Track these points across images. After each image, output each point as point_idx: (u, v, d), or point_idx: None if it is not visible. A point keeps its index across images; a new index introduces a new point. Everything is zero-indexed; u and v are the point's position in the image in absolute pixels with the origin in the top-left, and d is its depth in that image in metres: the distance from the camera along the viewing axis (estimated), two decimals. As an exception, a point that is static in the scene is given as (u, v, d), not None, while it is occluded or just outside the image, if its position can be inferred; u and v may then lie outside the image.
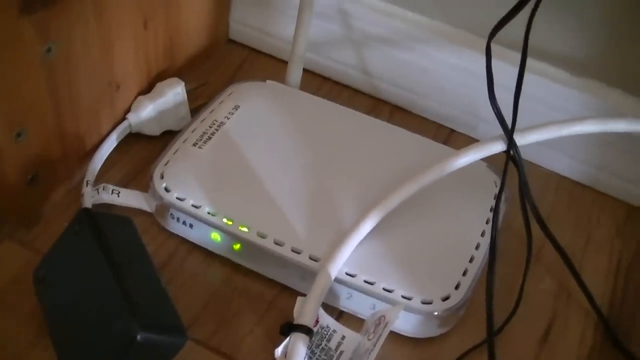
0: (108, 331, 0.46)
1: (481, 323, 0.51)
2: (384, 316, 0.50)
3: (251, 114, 0.64)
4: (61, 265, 0.51)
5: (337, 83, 0.74)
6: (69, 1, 0.53)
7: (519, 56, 0.49)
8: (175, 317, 0.49)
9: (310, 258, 0.54)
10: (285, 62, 0.69)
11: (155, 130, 0.65)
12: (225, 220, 0.56)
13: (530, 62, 0.50)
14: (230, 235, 0.56)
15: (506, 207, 0.60)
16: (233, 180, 0.58)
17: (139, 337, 0.45)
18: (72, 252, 0.51)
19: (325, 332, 0.52)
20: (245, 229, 0.55)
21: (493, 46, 0.50)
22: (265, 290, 0.56)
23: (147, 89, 0.65)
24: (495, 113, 0.52)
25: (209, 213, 0.56)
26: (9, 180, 0.55)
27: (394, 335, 0.53)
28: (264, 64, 0.76)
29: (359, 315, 0.54)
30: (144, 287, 0.50)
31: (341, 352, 0.51)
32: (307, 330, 0.50)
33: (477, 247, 0.56)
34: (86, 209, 0.55)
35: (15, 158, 0.54)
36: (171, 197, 0.57)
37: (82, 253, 0.51)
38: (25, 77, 0.52)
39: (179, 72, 0.69)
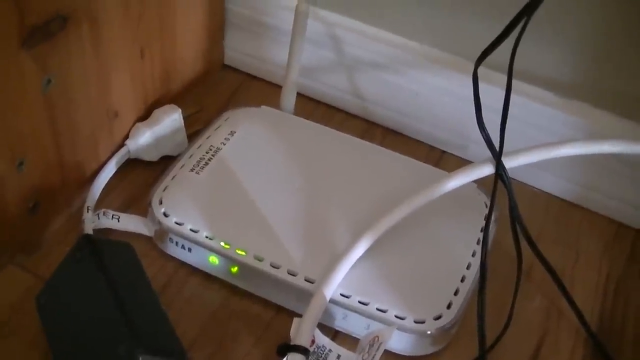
0: (111, 355, 0.47)
1: (473, 341, 0.51)
2: (377, 336, 0.51)
3: (247, 139, 0.65)
4: (63, 290, 0.52)
5: (330, 107, 0.75)
6: (67, 34, 0.54)
7: (505, 79, 0.50)
8: (176, 341, 0.50)
9: (306, 280, 0.55)
10: (279, 86, 0.69)
11: (154, 156, 0.66)
12: (222, 244, 0.57)
13: (517, 84, 0.51)
14: (228, 259, 0.57)
15: (496, 227, 0.61)
16: (230, 205, 0.59)
17: (141, 360, 0.46)
18: (74, 277, 0.52)
19: (322, 352, 0.52)
20: (242, 253, 0.56)
21: (481, 69, 0.51)
22: (262, 312, 0.57)
23: (144, 116, 0.66)
24: (484, 138, 0.53)
25: (206, 237, 0.57)
26: (11, 209, 0.56)
27: (388, 354, 0.54)
28: (259, 89, 0.77)
29: (354, 335, 0.55)
30: (144, 311, 0.51)
31: (337, 371, 0.52)
32: (303, 351, 0.50)
33: (468, 267, 0.57)
34: (87, 236, 0.55)
35: (17, 187, 0.55)
36: (170, 222, 0.58)
37: (84, 278, 0.52)
38: (26, 108, 0.53)
39: (176, 99, 0.70)
